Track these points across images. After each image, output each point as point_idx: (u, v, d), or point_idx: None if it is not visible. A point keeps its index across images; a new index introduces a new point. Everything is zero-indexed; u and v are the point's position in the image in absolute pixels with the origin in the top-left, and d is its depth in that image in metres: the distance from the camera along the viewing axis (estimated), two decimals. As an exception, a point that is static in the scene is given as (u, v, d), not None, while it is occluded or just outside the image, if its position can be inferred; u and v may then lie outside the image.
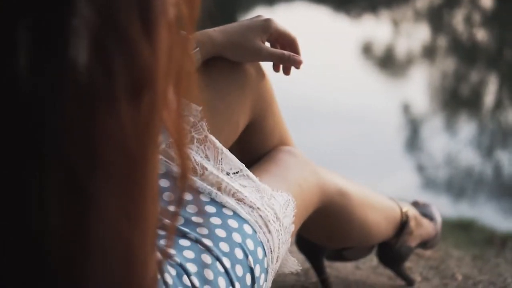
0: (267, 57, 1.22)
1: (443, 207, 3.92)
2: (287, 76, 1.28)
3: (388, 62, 9.20)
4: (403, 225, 1.52)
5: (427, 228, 1.62)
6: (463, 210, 4.27)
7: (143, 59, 0.57)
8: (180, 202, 0.74)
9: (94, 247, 0.59)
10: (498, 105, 7.18)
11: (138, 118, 0.58)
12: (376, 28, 11.13)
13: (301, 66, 1.25)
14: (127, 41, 0.57)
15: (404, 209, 1.53)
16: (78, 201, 0.57)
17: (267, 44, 1.25)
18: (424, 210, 1.66)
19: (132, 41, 0.57)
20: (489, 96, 7.70)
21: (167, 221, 0.85)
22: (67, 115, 0.55)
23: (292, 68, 1.26)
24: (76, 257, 0.58)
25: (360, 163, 5.15)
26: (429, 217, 1.65)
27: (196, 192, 1.06)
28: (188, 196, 1.05)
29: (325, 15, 12.74)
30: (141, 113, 0.58)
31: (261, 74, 1.25)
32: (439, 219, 1.67)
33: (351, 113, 6.38)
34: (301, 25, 10.64)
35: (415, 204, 1.67)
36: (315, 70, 7.51)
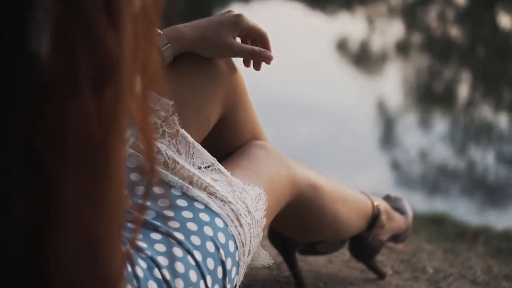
0: (238, 52, 1.22)
1: (417, 202, 3.96)
2: (259, 71, 1.29)
3: (363, 59, 9.25)
4: (374, 218, 1.54)
5: (398, 221, 1.64)
6: (437, 204, 4.31)
7: (108, 48, 0.58)
8: (147, 194, 0.75)
9: (58, 234, 0.59)
10: (471, 101, 7.24)
11: (103, 107, 0.58)
12: (351, 25, 11.17)
13: (272, 62, 1.25)
14: (92, 30, 0.57)
15: (375, 203, 1.54)
16: (41, 188, 0.57)
17: (238, 40, 1.25)
18: (395, 204, 1.67)
19: (97, 31, 0.57)
20: (462, 92, 7.76)
21: (137, 214, 0.85)
22: (31, 104, 0.56)
23: (264, 63, 1.27)
24: (40, 244, 0.59)
25: (335, 159, 5.18)
26: (401, 210, 1.67)
27: (168, 186, 1.06)
28: (159, 190, 1.05)
29: (300, 12, 12.76)
30: (105, 102, 0.59)
31: (232, 68, 1.26)
32: (410, 212, 1.69)
33: (326, 109, 6.41)
34: (277, 21, 10.65)
35: (387, 198, 1.69)
36: (290, 66, 7.52)
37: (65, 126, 0.57)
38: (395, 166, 5.35)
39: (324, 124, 6.00)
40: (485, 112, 6.86)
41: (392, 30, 11.03)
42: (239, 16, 1.22)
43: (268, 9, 12.73)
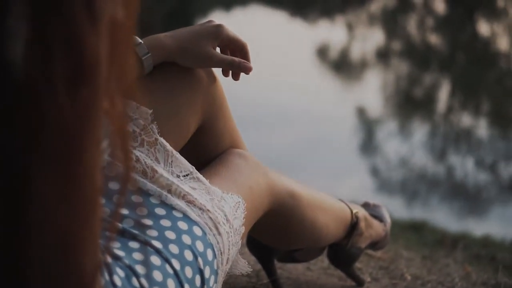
0: (218, 63, 1.23)
1: (397, 209, 3.98)
2: (238, 80, 1.30)
3: (343, 66, 9.29)
4: (353, 226, 1.54)
5: (377, 229, 1.64)
6: (416, 211, 4.33)
7: (86, 50, 0.59)
8: (122, 202, 0.75)
9: (30, 232, 0.60)
10: (451, 108, 7.30)
11: (78, 108, 0.59)
12: (332, 32, 11.22)
13: (251, 72, 1.26)
14: (72, 31, 0.58)
15: (354, 211, 1.55)
16: (14, 185, 0.58)
17: (218, 50, 1.26)
18: (374, 212, 1.68)
19: (77, 32, 0.58)
20: (442, 99, 7.82)
21: (113, 222, 0.86)
22: (7, 104, 0.56)
23: (243, 74, 1.28)
24: (12, 241, 0.59)
25: (316, 166, 5.19)
26: (379, 218, 1.68)
27: (146, 194, 1.06)
28: (137, 199, 1.05)
29: (281, 19, 12.80)
30: (81, 104, 0.59)
31: (212, 77, 1.26)
32: (388, 220, 1.70)
33: (306, 116, 6.43)
34: (258, 29, 10.69)
35: (366, 205, 1.70)
36: (271, 73, 7.54)
37: (41, 126, 0.58)
38: (375, 172, 5.38)
39: (304, 131, 6.02)
40: (464, 118, 6.92)
41: (372, 38, 11.10)
42: (219, 27, 1.23)
43: (249, 17, 12.77)
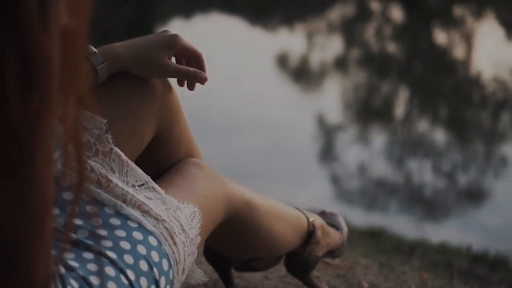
0: (173, 73, 1.23)
1: (356, 216, 4.00)
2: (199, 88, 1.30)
3: (303, 74, 9.33)
4: (309, 234, 1.55)
5: (333, 237, 1.65)
6: (375, 219, 4.36)
7: (38, 55, 0.58)
8: (75, 210, 0.75)
9: None
10: (408, 115, 7.37)
11: (29, 113, 0.59)
12: (291, 41, 11.27)
13: (206, 83, 1.26)
14: (25, 35, 0.57)
15: (310, 219, 1.56)
16: None
17: (174, 60, 1.26)
18: (331, 220, 1.69)
19: (29, 36, 0.57)
20: (400, 107, 7.90)
21: (66, 232, 0.85)
22: None
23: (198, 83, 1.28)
24: None
25: (275, 174, 5.20)
26: (336, 226, 1.69)
27: (101, 204, 1.06)
28: (92, 209, 1.05)
29: (241, 27, 12.82)
30: (32, 109, 0.59)
31: (167, 87, 1.26)
32: (345, 228, 1.71)
33: (265, 124, 6.44)
34: (218, 37, 10.68)
35: (322, 213, 1.71)
36: (231, 81, 7.54)
37: None
38: (335, 180, 5.41)
39: (263, 139, 6.03)
40: (422, 126, 6.99)
41: (331, 46, 11.18)
42: (174, 37, 1.23)
43: (209, 25, 12.76)
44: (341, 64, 9.90)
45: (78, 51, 0.66)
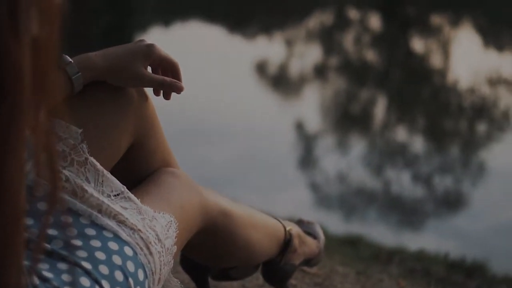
0: (149, 82, 1.23)
1: (334, 224, 4.01)
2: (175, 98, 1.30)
3: (281, 82, 9.35)
4: (286, 243, 1.56)
5: (310, 246, 1.66)
6: (354, 226, 4.37)
7: (8, 60, 0.58)
8: (48, 220, 0.74)
9: None
10: (387, 123, 7.41)
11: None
12: (270, 48, 11.29)
13: (182, 92, 1.26)
14: None
15: (287, 228, 1.56)
16: None
17: (150, 69, 1.26)
18: (308, 228, 1.70)
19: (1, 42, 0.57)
20: (378, 115, 7.93)
21: (39, 242, 0.85)
22: None
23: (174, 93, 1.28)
24: None
25: (254, 181, 5.20)
26: (313, 235, 1.70)
27: (76, 214, 1.05)
28: (67, 219, 1.04)
29: (220, 35, 12.82)
30: (2, 117, 0.59)
31: (143, 97, 1.26)
32: (322, 237, 1.72)
33: (244, 132, 6.44)
34: (196, 44, 10.68)
35: (300, 222, 1.71)
36: (209, 89, 7.54)
37: None
38: (313, 188, 5.42)
39: (242, 147, 6.03)
40: (400, 134, 7.03)
41: (310, 54, 11.21)
42: (150, 46, 1.23)
43: (188, 33, 12.76)
44: (319, 72, 9.94)
45: (50, 60, 0.66)
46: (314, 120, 7.11)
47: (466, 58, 10.59)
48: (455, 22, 15.01)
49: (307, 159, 6.06)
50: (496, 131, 7.13)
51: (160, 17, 15.18)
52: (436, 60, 11.31)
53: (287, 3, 16.59)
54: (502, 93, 8.80)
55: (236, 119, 6.76)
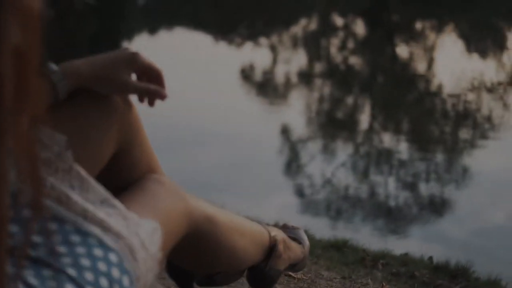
0: (133, 90, 1.24)
1: (320, 228, 4.02)
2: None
3: (267, 88, 9.36)
4: (271, 249, 1.57)
5: (295, 251, 1.67)
6: (339, 231, 4.38)
7: None
8: (33, 227, 0.75)
9: None
10: (372, 129, 7.44)
11: None
12: (256, 54, 11.30)
13: (165, 99, 1.28)
14: None
15: (272, 234, 1.58)
16: None
17: (134, 76, 1.27)
18: (292, 234, 1.71)
19: None
20: (364, 120, 7.96)
21: (23, 249, 0.85)
22: None
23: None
24: None
25: (241, 187, 5.21)
26: (298, 240, 1.71)
27: (61, 221, 1.06)
28: (52, 226, 1.05)
29: (206, 42, 12.83)
30: None
31: (127, 104, 1.27)
32: (307, 242, 1.73)
33: (231, 137, 6.45)
34: (182, 51, 10.68)
35: (284, 227, 1.73)
36: (196, 95, 7.54)
37: None
38: (300, 193, 5.43)
39: (228, 153, 6.04)
40: (385, 139, 7.06)
41: (296, 60, 11.24)
42: (135, 54, 1.24)
43: (174, 40, 12.76)
44: (305, 78, 9.96)
45: (32, 67, 0.66)
46: (300, 126, 7.13)
47: (450, 64, 10.65)
48: (439, 29, 15.11)
49: (293, 165, 6.07)
50: (479, 136, 7.18)
51: (147, 24, 15.19)
52: (420, 66, 11.38)
53: (273, 10, 16.64)
54: (485, 98, 8.86)
55: (222, 125, 6.77)
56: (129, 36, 13.25)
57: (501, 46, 13.15)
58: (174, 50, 10.62)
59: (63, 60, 1.19)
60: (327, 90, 9.40)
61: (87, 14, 13.20)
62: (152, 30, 14.29)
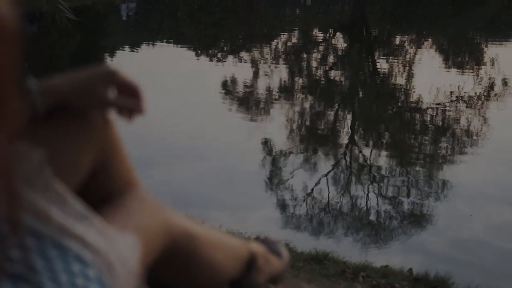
0: (111, 106, 1.24)
1: (302, 241, 4.03)
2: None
3: (249, 102, 9.38)
4: (251, 263, 1.57)
5: (275, 264, 1.68)
6: (320, 243, 4.38)
7: None
8: (10, 242, 0.75)
9: None
10: (352, 142, 7.47)
11: None
12: (238, 69, 11.33)
13: (144, 115, 1.28)
14: None
15: (252, 248, 1.59)
16: None
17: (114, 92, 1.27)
18: (272, 247, 1.72)
19: None
20: (345, 133, 8.00)
21: (5, 266, 0.85)
22: None
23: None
24: None
25: (222, 200, 5.21)
26: (277, 253, 1.72)
27: (39, 236, 1.06)
28: (30, 241, 1.05)
29: (188, 57, 12.85)
30: None
31: (106, 119, 1.28)
32: (286, 255, 1.74)
33: (212, 151, 6.45)
34: (165, 66, 10.69)
35: (264, 241, 1.74)
36: (178, 109, 7.54)
37: None
38: (281, 206, 5.44)
39: (210, 167, 6.04)
40: (366, 152, 7.09)
41: (277, 74, 11.27)
42: (113, 70, 1.25)
43: (157, 55, 12.77)
44: (287, 92, 10.00)
45: (7, 83, 0.66)
46: (281, 140, 7.14)
47: (428, 76, 10.74)
48: (418, 43, 15.24)
49: (274, 178, 6.08)
50: (458, 149, 7.23)
51: (129, 39, 15.18)
52: (399, 79, 11.45)
53: (255, 25, 16.70)
54: (464, 111, 8.94)
55: (204, 140, 6.77)
56: (112, 49, 13.23)
57: (478, 60, 13.29)
58: (155, 65, 10.62)
59: (45, 75, 1.19)
60: (308, 104, 9.44)
61: (69, 29, 13.17)
62: (135, 44, 14.29)
